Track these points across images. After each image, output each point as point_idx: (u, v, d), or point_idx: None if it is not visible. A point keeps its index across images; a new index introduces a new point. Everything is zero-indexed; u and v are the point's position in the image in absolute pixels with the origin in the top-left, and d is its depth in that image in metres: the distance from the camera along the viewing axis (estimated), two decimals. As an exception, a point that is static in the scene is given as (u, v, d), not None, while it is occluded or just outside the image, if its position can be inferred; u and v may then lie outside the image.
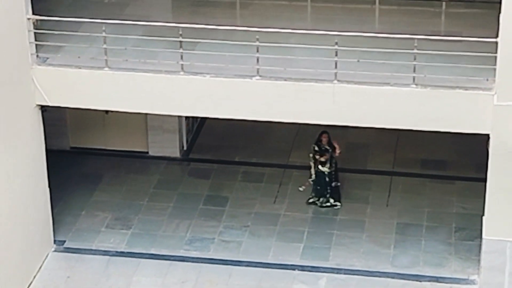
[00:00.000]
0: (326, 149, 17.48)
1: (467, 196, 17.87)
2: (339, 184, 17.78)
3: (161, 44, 15.08)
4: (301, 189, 18.01)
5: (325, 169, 17.57)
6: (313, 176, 17.66)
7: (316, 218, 17.48)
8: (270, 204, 17.92)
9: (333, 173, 17.64)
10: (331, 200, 17.67)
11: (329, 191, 17.63)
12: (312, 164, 17.63)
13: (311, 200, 17.77)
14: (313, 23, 16.76)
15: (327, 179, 17.60)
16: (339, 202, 17.73)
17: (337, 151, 17.47)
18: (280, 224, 17.32)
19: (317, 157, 17.47)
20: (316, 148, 17.50)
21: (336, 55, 14.29)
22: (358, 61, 14.53)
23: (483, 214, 15.10)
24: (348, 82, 14.37)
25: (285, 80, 14.50)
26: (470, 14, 16.97)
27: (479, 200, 15.70)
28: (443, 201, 17.90)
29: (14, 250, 15.19)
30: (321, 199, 17.68)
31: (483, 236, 15.16)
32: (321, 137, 17.46)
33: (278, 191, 18.20)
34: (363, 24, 16.25)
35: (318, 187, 17.65)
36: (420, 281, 15.83)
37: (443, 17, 17.12)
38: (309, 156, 17.66)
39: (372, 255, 16.45)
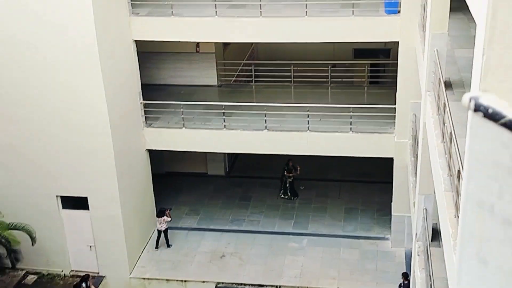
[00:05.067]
0: (295, 168, 28.25)
1: None
2: (302, 187, 28.96)
3: None
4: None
5: (290, 180, 28.73)
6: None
7: None
8: None
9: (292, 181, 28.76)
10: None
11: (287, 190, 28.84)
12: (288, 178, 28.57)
13: (282, 196, 28.66)
14: None
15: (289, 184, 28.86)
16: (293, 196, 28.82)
17: (297, 171, 28.43)
18: None
19: (286, 174, 28.46)
20: (286, 168, 28.28)
21: None
22: None
23: None
24: None
25: None
26: None
27: None
28: None
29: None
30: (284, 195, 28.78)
31: None
32: (288, 162, 28.07)
33: None
34: None
35: (289, 189, 28.74)
36: None
37: None
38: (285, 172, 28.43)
39: None
